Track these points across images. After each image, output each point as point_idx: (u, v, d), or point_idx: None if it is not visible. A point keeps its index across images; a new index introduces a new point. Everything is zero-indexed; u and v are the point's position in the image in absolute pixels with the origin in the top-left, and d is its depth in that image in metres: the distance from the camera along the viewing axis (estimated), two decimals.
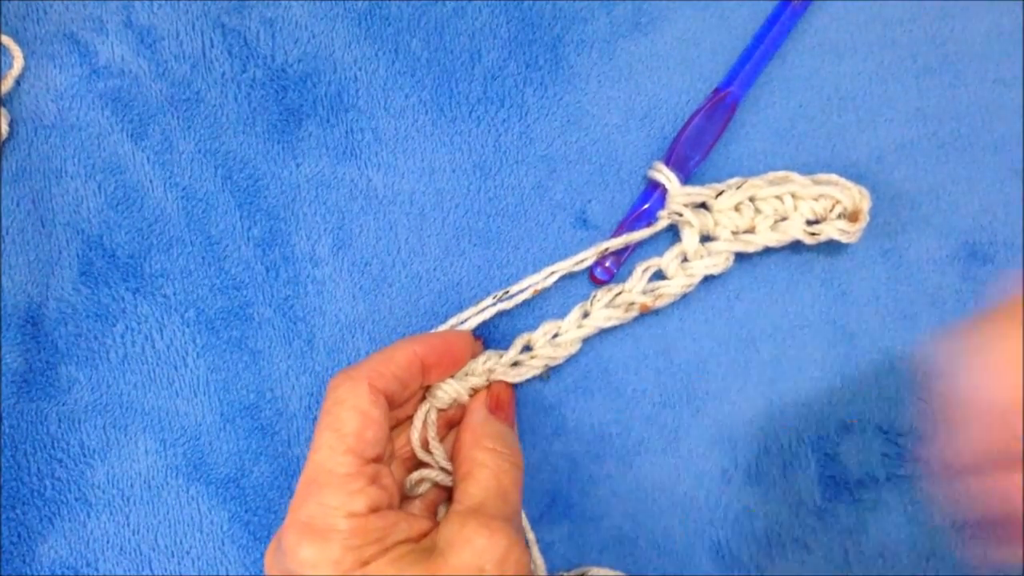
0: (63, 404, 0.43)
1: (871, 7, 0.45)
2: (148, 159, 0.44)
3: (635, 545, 0.43)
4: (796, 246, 0.44)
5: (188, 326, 0.43)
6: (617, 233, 0.43)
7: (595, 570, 0.42)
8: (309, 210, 0.44)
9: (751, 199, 0.42)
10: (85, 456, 0.42)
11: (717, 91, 0.44)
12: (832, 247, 0.44)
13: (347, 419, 0.35)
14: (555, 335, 0.42)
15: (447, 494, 0.40)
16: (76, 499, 0.42)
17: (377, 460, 0.35)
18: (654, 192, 0.43)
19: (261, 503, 0.42)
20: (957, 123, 0.45)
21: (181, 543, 0.42)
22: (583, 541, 0.43)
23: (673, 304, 0.44)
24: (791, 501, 0.43)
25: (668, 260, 0.42)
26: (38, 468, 0.42)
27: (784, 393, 0.43)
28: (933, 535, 0.43)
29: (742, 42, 0.45)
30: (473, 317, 0.42)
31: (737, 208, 0.42)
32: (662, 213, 0.43)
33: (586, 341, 0.43)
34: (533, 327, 0.43)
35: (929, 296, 0.44)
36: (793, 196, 0.42)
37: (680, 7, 0.45)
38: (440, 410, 0.40)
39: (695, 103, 0.45)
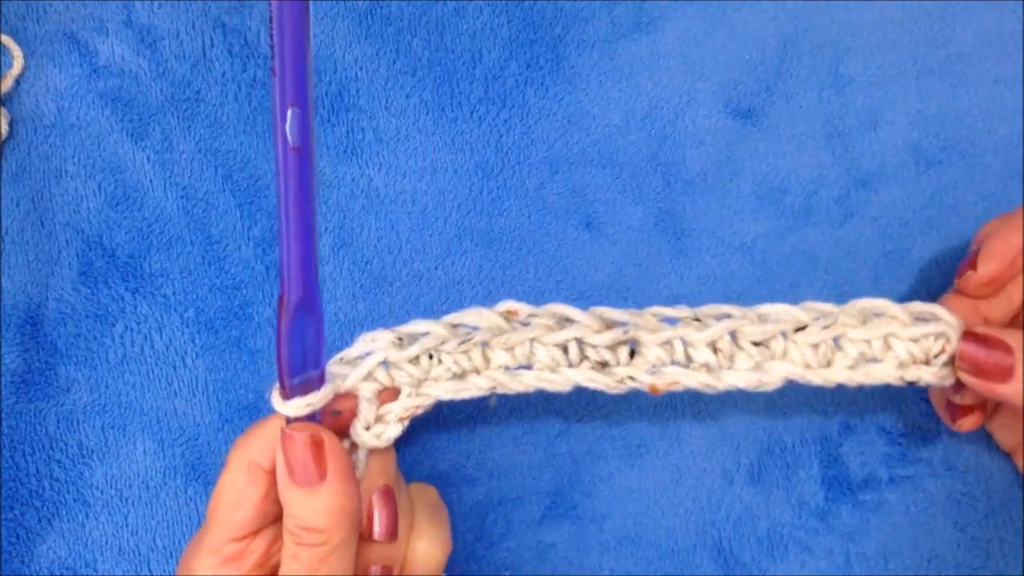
0: (62, 404, 0.42)
1: (871, 8, 0.45)
2: (148, 159, 0.44)
3: (637, 546, 0.43)
4: (799, 244, 0.44)
5: (187, 326, 0.43)
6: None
7: None
8: None
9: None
10: (84, 457, 0.42)
11: (282, 298, 0.32)
12: (836, 248, 0.44)
13: (225, 492, 0.35)
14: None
15: None
16: (75, 500, 0.42)
17: (253, 534, 0.35)
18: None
19: None
20: (958, 124, 0.45)
21: (180, 543, 0.42)
22: (585, 542, 0.42)
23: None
24: (793, 502, 0.43)
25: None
26: (37, 469, 0.42)
27: (786, 393, 0.43)
28: (935, 537, 0.43)
29: (744, 42, 0.45)
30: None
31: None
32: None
33: None
34: None
35: (932, 297, 0.44)
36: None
37: (681, 7, 0.45)
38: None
39: (695, 103, 0.45)
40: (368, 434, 0.36)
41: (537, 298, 0.43)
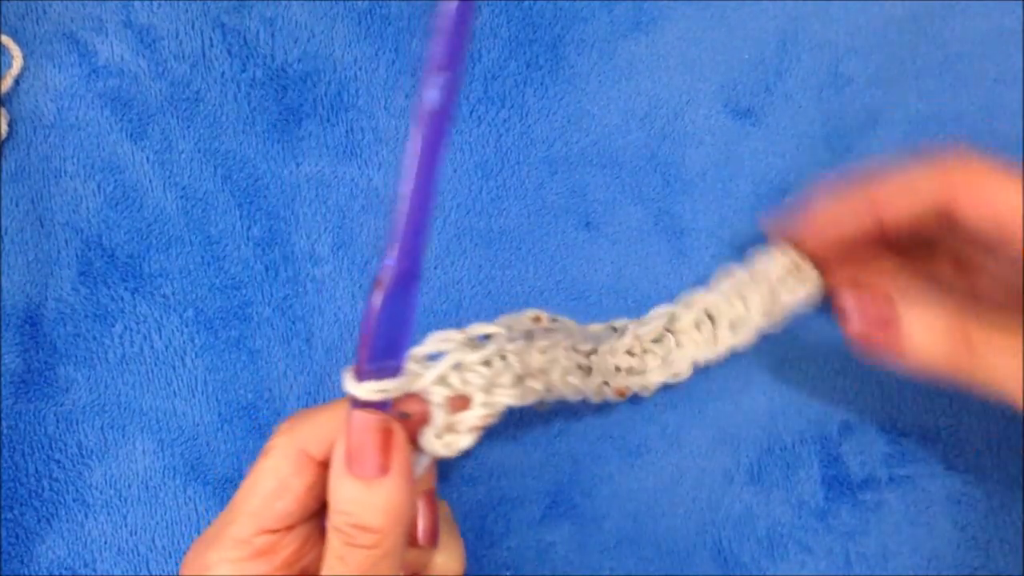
0: (61, 405, 0.42)
1: (871, 8, 0.45)
2: (148, 159, 0.44)
3: (637, 546, 0.42)
4: None
5: (187, 326, 0.43)
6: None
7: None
8: (309, 209, 0.44)
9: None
10: (83, 457, 0.42)
11: (382, 271, 0.30)
12: None
13: (263, 480, 0.32)
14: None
15: None
16: (74, 500, 0.42)
17: (289, 528, 0.32)
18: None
19: None
20: (958, 124, 0.45)
21: (179, 543, 0.42)
22: (585, 542, 0.42)
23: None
24: (793, 502, 0.43)
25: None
26: (36, 469, 0.42)
27: (786, 393, 0.43)
28: (935, 536, 0.43)
29: (743, 42, 0.45)
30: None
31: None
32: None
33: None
34: None
35: None
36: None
37: (680, 7, 0.45)
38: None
39: (695, 102, 0.45)
40: (439, 443, 0.33)
41: (537, 298, 0.44)
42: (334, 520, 0.30)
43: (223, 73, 0.44)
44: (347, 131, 0.44)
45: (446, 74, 0.27)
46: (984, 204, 0.35)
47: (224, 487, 0.42)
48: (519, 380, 0.34)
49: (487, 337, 0.35)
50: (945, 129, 0.45)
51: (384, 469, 0.30)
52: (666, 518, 0.43)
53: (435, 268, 0.43)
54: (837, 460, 0.43)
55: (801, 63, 0.45)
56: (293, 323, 0.43)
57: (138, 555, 0.42)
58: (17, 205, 0.43)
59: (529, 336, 0.36)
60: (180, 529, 0.42)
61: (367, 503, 0.30)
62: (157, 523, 0.42)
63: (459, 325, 0.43)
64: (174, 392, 0.43)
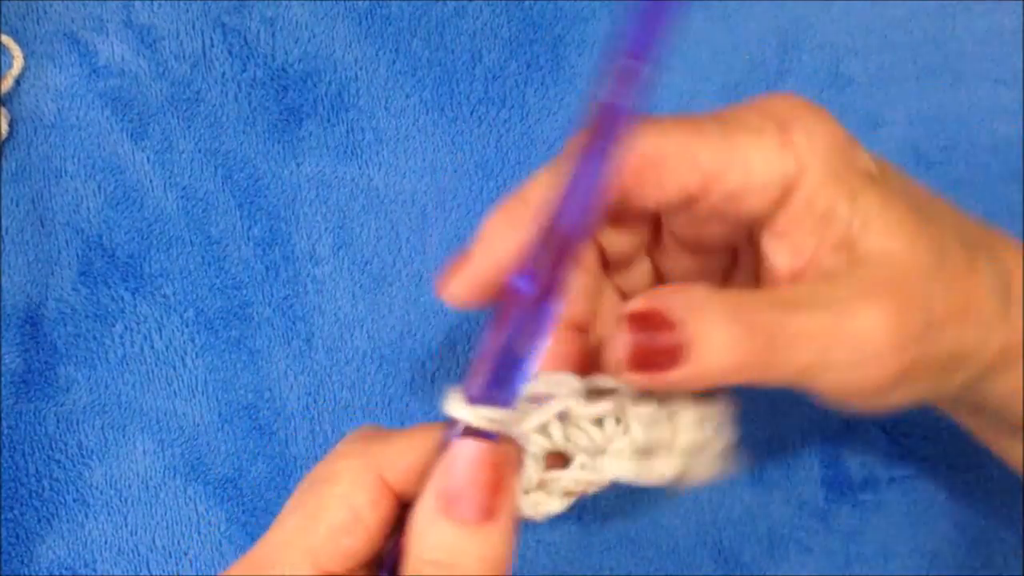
0: (61, 405, 0.42)
1: (871, 8, 0.45)
2: (148, 159, 0.44)
3: (638, 545, 0.42)
4: None
5: (187, 326, 0.43)
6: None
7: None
8: (309, 210, 0.44)
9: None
10: (83, 457, 0.42)
11: (514, 293, 0.26)
12: None
13: (332, 510, 0.26)
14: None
15: None
16: (74, 500, 0.42)
17: (348, 573, 0.27)
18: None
19: (259, 504, 0.42)
20: (958, 124, 0.45)
21: (179, 544, 0.42)
22: (587, 541, 0.42)
23: None
24: (793, 502, 0.43)
25: None
26: (36, 469, 0.42)
27: (788, 393, 0.43)
28: (935, 536, 0.43)
29: (744, 42, 0.45)
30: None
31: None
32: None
33: None
34: None
35: None
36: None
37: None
38: None
39: (696, 104, 0.45)
40: (526, 500, 0.28)
41: None
42: (419, 569, 0.25)
43: (223, 73, 0.44)
44: (347, 131, 0.44)
45: (637, 65, 0.23)
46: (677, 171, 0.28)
47: (224, 487, 0.42)
48: (642, 454, 0.28)
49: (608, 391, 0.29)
50: (945, 129, 0.45)
51: (490, 514, 0.25)
52: (667, 518, 0.43)
53: (436, 268, 0.43)
54: (837, 460, 0.43)
55: (802, 63, 0.45)
56: (293, 323, 0.43)
57: (138, 555, 0.42)
58: (17, 205, 0.43)
59: (657, 397, 0.29)
60: (180, 529, 0.42)
61: (466, 552, 0.25)
62: (157, 523, 0.42)
63: (461, 326, 0.43)
64: (174, 392, 0.43)
